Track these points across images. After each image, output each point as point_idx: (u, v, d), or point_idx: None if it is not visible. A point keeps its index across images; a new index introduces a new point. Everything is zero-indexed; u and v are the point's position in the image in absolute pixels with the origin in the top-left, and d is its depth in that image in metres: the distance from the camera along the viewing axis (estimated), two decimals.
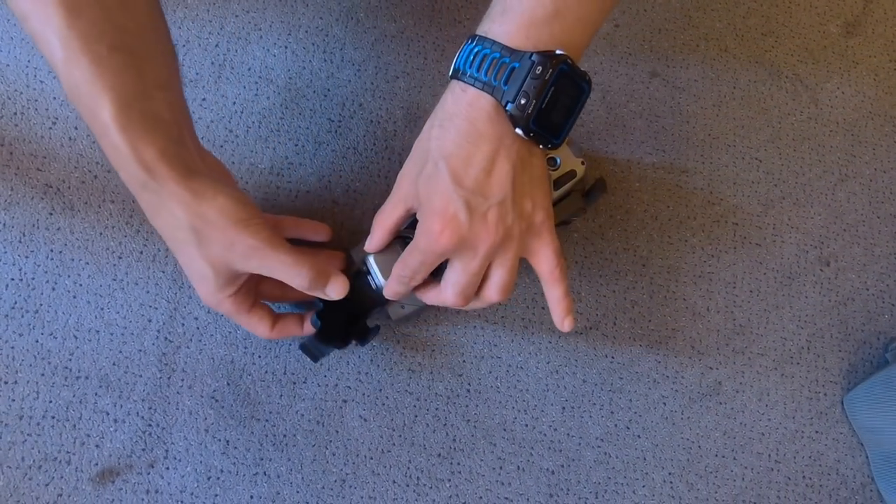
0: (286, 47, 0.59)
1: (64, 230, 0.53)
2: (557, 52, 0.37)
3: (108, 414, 0.50)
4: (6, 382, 0.50)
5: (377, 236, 0.44)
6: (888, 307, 0.60)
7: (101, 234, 0.53)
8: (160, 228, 0.41)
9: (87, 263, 0.52)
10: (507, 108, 0.37)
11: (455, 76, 0.39)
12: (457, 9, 0.61)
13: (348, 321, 0.49)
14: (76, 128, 0.55)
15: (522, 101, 0.37)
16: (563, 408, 0.55)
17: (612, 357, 0.56)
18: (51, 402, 0.50)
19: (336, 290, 0.44)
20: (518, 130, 0.38)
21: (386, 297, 0.46)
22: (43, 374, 0.50)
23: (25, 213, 0.53)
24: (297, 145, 0.57)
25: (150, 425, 0.50)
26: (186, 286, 0.53)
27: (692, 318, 0.58)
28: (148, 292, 0.52)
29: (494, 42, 0.37)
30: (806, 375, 0.58)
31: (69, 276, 0.52)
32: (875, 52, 0.66)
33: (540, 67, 0.36)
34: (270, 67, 0.58)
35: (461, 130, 0.38)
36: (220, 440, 0.50)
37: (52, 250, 0.52)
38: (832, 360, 0.59)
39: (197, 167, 0.40)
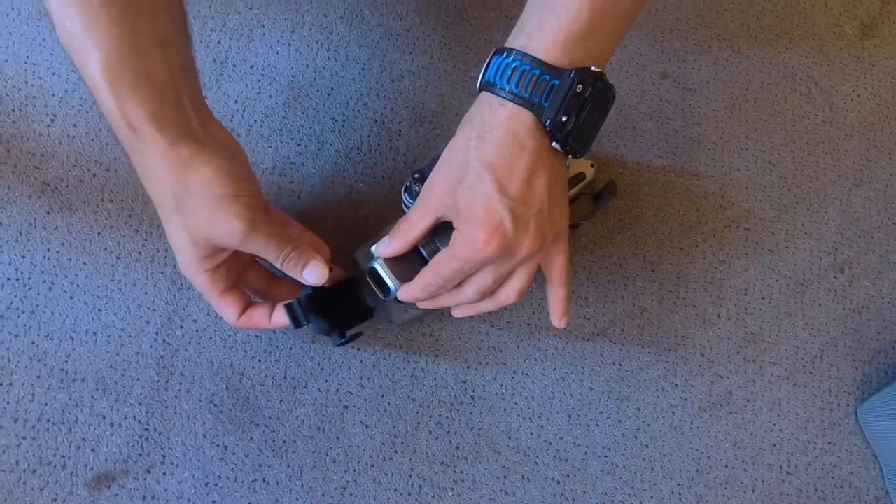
0: (289, 45, 0.58)
1: (62, 229, 0.52)
2: (593, 68, 0.38)
3: (104, 417, 0.49)
4: (1, 385, 0.49)
5: (398, 245, 0.43)
6: None
7: (99, 233, 0.52)
8: (147, 190, 0.40)
9: (85, 264, 0.51)
10: (547, 123, 0.38)
11: (487, 89, 0.39)
12: (464, 7, 0.60)
13: (335, 317, 0.47)
14: (75, 125, 0.54)
15: (563, 119, 0.38)
16: (570, 416, 0.53)
17: (620, 364, 0.55)
18: (46, 404, 0.49)
19: (314, 274, 0.43)
20: (555, 144, 0.39)
21: (400, 299, 0.45)
22: (39, 377, 0.49)
23: (23, 211, 0.52)
24: (299, 145, 0.56)
25: (147, 429, 0.49)
26: (186, 288, 0.52)
27: (702, 326, 0.56)
28: (146, 294, 0.51)
29: (533, 58, 0.37)
30: (819, 385, 0.56)
31: (66, 277, 0.51)
32: (892, 54, 0.65)
33: (580, 86, 0.37)
34: (273, 65, 0.57)
35: (503, 142, 0.38)
36: (218, 445, 0.49)
37: (49, 250, 0.51)
38: (846, 369, 0.57)
39: (191, 132, 0.38)
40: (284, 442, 0.50)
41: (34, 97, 0.54)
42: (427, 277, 0.42)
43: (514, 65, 0.38)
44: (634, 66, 0.61)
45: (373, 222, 0.55)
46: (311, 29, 0.58)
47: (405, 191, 0.50)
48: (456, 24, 0.60)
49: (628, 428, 0.54)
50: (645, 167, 0.59)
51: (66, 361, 0.49)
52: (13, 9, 0.55)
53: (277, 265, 0.43)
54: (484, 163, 0.38)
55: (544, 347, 0.54)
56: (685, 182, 0.59)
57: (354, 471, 0.50)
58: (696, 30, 0.63)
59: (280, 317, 0.45)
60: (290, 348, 0.52)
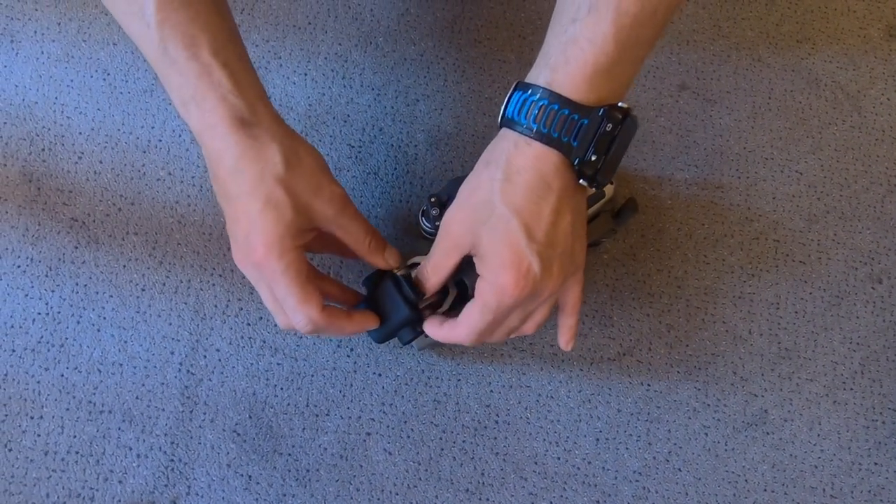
0: (306, 74, 0.58)
1: (89, 263, 0.53)
2: (620, 104, 0.37)
3: (131, 449, 0.49)
4: (32, 417, 0.50)
5: (431, 288, 0.43)
6: None
7: (124, 266, 0.53)
8: (241, 171, 0.38)
9: (111, 296, 0.52)
10: (575, 163, 0.37)
11: (509, 126, 0.38)
12: (476, 29, 0.61)
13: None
14: (101, 161, 0.55)
15: (593, 158, 0.37)
16: (598, 439, 0.52)
17: (649, 385, 0.53)
18: (75, 437, 0.49)
19: (394, 256, 0.44)
20: (582, 181, 0.38)
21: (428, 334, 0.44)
22: (68, 409, 0.50)
23: (52, 247, 0.53)
24: None
25: (172, 460, 0.49)
26: (208, 317, 0.52)
27: (733, 342, 0.55)
28: (170, 324, 0.52)
29: (559, 96, 0.36)
30: (861, 402, 0.54)
31: (94, 310, 0.52)
32: None
33: (610, 125, 0.37)
34: (290, 95, 0.58)
35: (530, 185, 0.37)
36: (242, 475, 0.49)
37: (77, 284, 0.52)
38: (890, 385, 0.54)
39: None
40: (308, 471, 0.50)
41: (63, 136, 0.56)
42: (461, 334, 0.41)
43: (540, 103, 0.37)
44: (651, 79, 0.60)
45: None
46: (326, 58, 0.59)
47: (422, 215, 0.50)
48: (469, 46, 0.60)
49: (659, 451, 0.52)
50: (667, 181, 0.58)
51: (94, 393, 0.50)
52: (43, 52, 0.57)
53: (363, 245, 0.42)
54: (512, 207, 0.37)
55: (569, 369, 0.53)
56: (709, 195, 0.58)
57: (378, 499, 0.49)
58: (714, 40, 0.62)
59: (363, 318, 0.43)
60: (312, 375, 0.52)
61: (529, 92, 0.37)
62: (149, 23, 0.36)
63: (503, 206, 0.37)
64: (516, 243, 0.37)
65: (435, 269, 0.42)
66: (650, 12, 0.36)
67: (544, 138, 0.37)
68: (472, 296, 0.46)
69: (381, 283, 0.44)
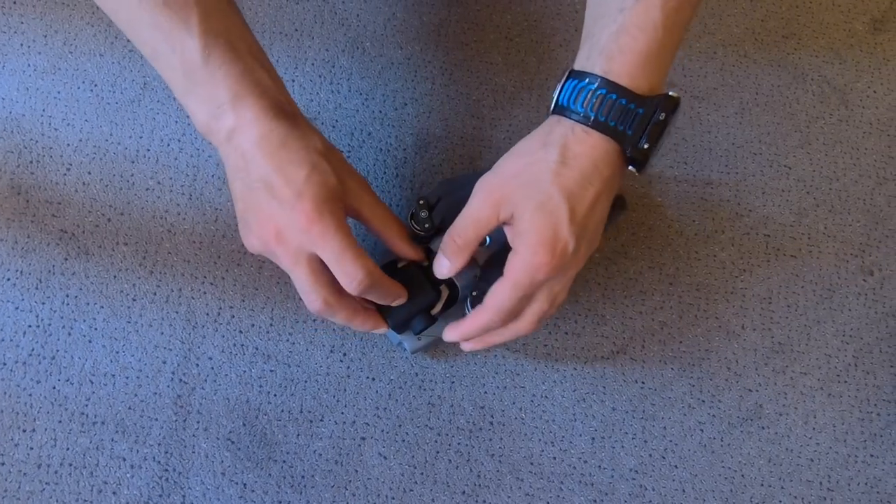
0: (293, 81, 0.59)
1: (79, 274, 0.53)
2: (671, 93, 0.39)
3: (124, 460, 0.49)
4: (24, 430, 0.49)
5: (457, 252, 0.42)
6: None
7: (115, 276, 0.53)
8: (287, 156, 0.39)
9: (102, 307, 0.52)
10: (628, 151, 0.39)
11: (562, 113, 0.39)
12: (462, 32, 0.61)
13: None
14: (89, 172, 0.55)
15: (645, 146, 0.39)
16: (593, 438, 0.52)
17: (643, 382, 0.53)
18: (68, 449, 0.49)
19: (417, 249, 0.46)
20: (631, 167, 0.40)
21: (447, 340, 0.45)
22: (60, 421, 0.50)
23: (41, 259, 0.53)
24: None
25: (166, 470, 0.49)
26: (200, 326, 0.52)
27: (726, 338, 0.55)
28: (162, 333, 0.52)
29: (617, 85, 0.38)
30: (855, 395, 0.54)
31: (84, 321, 0.52)
32: None
33: (663, 114, 0.38)
34: None
35: (584, 171, 0.39)
36: (237, 483, 0.49)
37: (67, 295, 0.52)
38: (883, 376, 0.54)
39: None
40: (303, 477, 0.49)
41: (51, 148, 0.56)
42: (487, 316, 0.41)
43: (598, 92, 0.38)
44: None
45: (381, 251, 0.55)
46: (313, 64, 0.59)
47: (411, 218, 0.50)
48: (456, 48, 0.60)
49: (655, 448, 0.52)
50: (656, 178, 0.58)
51: (87, 405, 0.50)
52: (29, 65, 0.57)
53: (393, 229, 0.44)
54: (565, 192, 0.38)
55: (563, 368, 0.53)
56: (699, 191, 0.58)
57: None
58: (700, 37, 0.62)
59: (399, 286, 0.44)
60: (305, 381, 0.51)
61: (586, 81, 0.38)
62: (192, 33, 0.38)
63: (556, 188, 0.38)
64: (559, 224, 0.38)
65: (465, 228, 0.41)
66: None
67: (601, 126, 0.38)
68: (466, 296, 0.46)
69: (405, 268, 0.45)
